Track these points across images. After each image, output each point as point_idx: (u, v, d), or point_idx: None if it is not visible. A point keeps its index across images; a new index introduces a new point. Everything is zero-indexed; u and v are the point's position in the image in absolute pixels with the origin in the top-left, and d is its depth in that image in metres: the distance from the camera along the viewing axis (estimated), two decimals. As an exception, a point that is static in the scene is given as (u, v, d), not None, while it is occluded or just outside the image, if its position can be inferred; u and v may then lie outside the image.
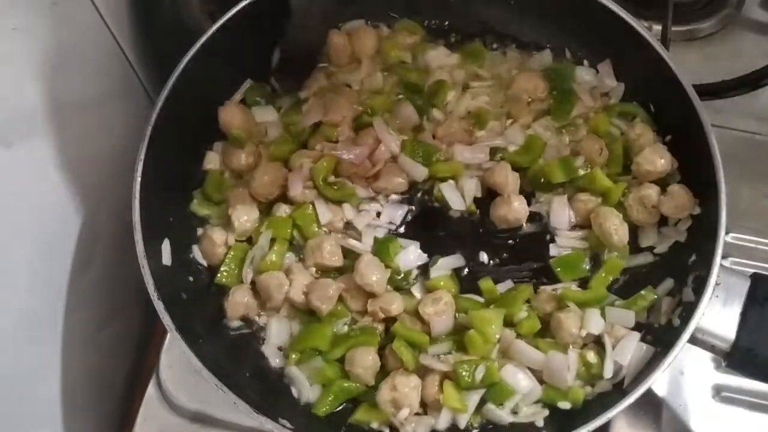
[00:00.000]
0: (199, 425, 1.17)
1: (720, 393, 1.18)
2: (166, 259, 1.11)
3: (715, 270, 0.99)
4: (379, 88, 1.26)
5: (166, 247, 1.11)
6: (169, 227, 1.14)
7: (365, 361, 1.05)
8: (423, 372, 1.06)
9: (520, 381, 1.04)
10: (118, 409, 1.33)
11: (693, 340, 0.98)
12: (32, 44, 1.04)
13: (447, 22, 1.33)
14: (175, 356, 1.20)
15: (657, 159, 1.13)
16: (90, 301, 1.22)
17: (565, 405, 1.04)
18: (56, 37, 1.09)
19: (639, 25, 1.14)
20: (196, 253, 1.17)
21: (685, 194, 1.10)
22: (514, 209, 1.15)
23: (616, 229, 1.11)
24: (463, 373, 1.02)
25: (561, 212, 1.17)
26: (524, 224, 1.18)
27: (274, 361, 1.11)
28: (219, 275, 1.14)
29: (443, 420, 1.04)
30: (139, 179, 1.07)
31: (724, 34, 1.50)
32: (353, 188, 1.17)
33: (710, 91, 1.28)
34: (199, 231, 1.19)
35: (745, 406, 1.18)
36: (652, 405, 1.16)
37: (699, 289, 0.99)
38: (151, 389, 1.20)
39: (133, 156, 1.08)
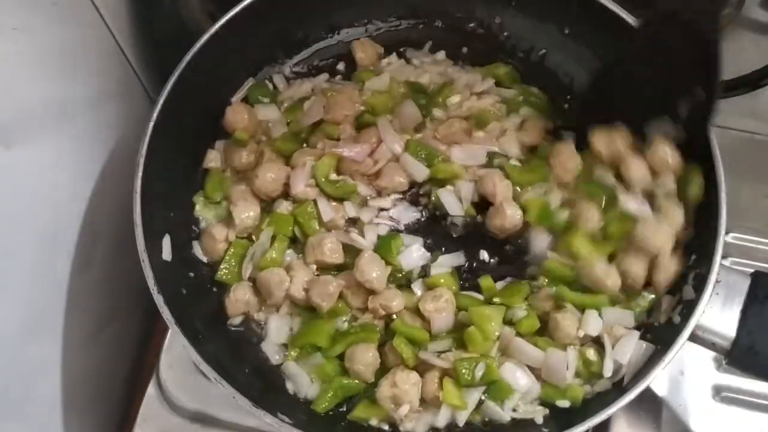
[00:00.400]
0: (199, 425, 1.17)
1: (720, 393, 1.18)
2: (167, 254, 1.11)
3: (716, 268, 0.99)
4: (384, 87, 1.26)
5: (166, 243, 1.12)
6: (169, 223, 1.14)
7: (365, 358, 1.05)
8: (423, 369, 1.06)
9: (519, 379, 1.04)
10: (118, 409, 1.33)
11: (693, 338, 0.98)
12: (32, 44, 1.04)
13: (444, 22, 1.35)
14: (175, 356, 1.20)
15: (672, 267, 1.06)
16: (90, 301, 1.22)
17: (564, 403, 1.04)
18: (56, 37, 1.09)
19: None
20: (197, 249, 1.17)
21: (676, 263, 1.06)
22: (509, 217, 1.13)
23: (606, 272, 1.07)
24: (463, 371, 1.02)
25: (541, 244, 1.15)
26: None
27: (274, 357, 1.11)
28: (219, 272, 1.14)
29: (443, 417, 1.03)
30: (140, 175, 1.07)
31: (724, 34, 1.49)
32: (354, 186, 1.17)
33: (710, 91, 1.28)
34: (201, 225, 1.19)
35: (745, 406, 1.18)
36: (652, 405, 1.16)
37: (699, 287, 1.00)
38: (151, 389, 1.20)
39: (133, 155, 1.08)
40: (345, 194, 1.17)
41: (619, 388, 1.02)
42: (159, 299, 1.01)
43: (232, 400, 0.97)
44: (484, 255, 1.16)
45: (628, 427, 1.14)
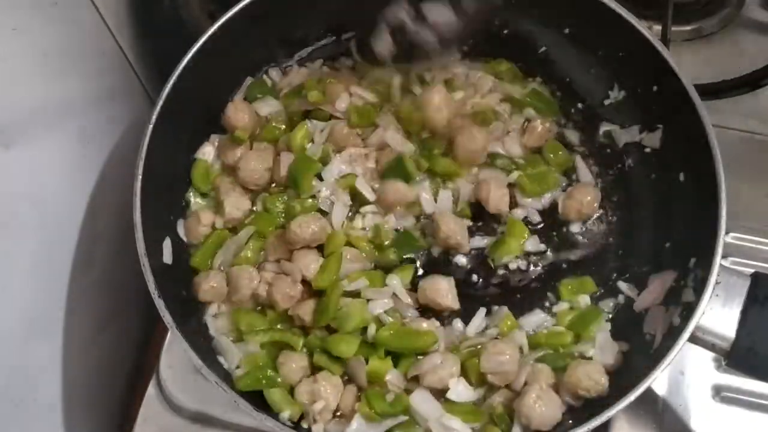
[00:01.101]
0: (199, 425, 1.17)
1: (720, 393, 1.18)
2: (167, 257, 1.11)
3: (715, 269, 0.99)
4: (388, 78, 1.24)
5: (167, 245, 1.11)
6: (170, 226, 1.14)
7: (296, 362, 1.05)
8: (346, 380, 1.05)
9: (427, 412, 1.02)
10: (118, 409, 1.33)
11: (693, 339, 0.98)
12: (32, 44, 1.04)
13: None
14: (175, 356, 1.20)
15: (601, 378, 1.03)
16: (90, 302, 1.22)
17: None
18: (56, 37, 1.09)
19: (640, 25, 1.14)
20: (180, 227, 1.16)
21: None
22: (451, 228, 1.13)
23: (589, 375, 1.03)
24: (374, 396, 1.01)
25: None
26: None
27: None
28: (193, 257, 1.14)
29: (353, 428, 1.01)
30: (140, 178, 1.06)
31: (724, 34, 1.50)
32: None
33: (710, 91, 1.28)
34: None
35: (745, 406, 1.18)
36: (652, 405, 1.16)
37: (699, 289, 0.99)
38: (151, 389, 1.19)
39: (134, 156, 1.08)
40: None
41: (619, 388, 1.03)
42: (160, 303, 1.00)
43: (232, 401, 0.97)
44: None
45: (628, 427, 1.14)
